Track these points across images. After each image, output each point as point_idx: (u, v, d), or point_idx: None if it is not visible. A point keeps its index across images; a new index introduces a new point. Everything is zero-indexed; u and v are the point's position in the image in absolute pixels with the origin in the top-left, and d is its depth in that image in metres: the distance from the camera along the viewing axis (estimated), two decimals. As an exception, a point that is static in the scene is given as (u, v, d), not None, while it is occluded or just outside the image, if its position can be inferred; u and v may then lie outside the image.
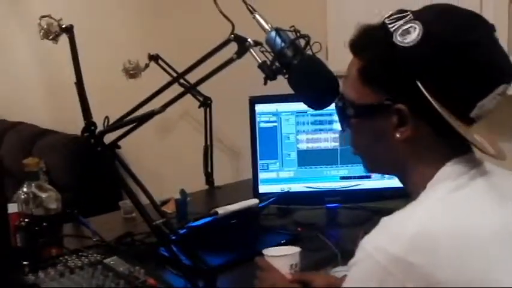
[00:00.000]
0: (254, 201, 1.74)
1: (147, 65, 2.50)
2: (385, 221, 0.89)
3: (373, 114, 0.97)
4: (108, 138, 1.50)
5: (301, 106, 1.84)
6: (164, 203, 2.16)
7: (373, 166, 1.08)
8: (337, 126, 1.82)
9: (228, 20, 1.26)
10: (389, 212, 0.92)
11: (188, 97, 2.34)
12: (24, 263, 1.47)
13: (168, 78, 2.42)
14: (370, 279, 0.86)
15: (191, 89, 2.36)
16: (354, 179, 1.90)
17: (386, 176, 1.87)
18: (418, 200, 0.92)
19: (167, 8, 2.94)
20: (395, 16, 0.94)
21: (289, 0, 2.37)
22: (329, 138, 1.88)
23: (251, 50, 1.22)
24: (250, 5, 1.24)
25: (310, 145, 1.88)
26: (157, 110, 1.42)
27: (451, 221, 0.86)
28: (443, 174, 0.93)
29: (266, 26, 1.21)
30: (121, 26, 3.27)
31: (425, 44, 0.89)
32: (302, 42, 1.22)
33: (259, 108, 1.88)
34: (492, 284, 0.83)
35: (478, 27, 0.92)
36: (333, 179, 1.90)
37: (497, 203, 0.91)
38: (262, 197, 1.84)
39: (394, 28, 0.92)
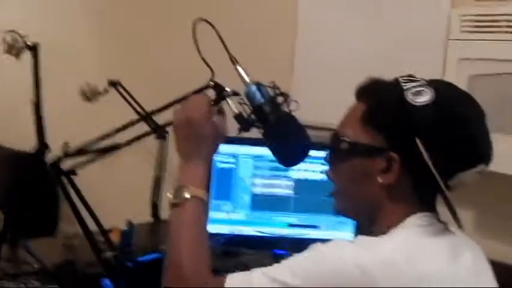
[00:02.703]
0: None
1: (106, 90, 2.46)
2: (360, 239, 0.96)
3: (365, 154, 1.02)
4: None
5: (260, 150, 1.88)
6: (108, 231, 2.10)
7: (346, 205, 1.11)
8: (293, 174, 1.88)
9: (208, 66, 1.26)
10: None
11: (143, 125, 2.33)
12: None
13: (126, 107, 2.42)
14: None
15: (148, 119, 2.35)
16: (303, 227, 1.92)
17: (334, 229, 1.92)
18: (387, 236, 0.97)
19: (138, 35, 2.93)
20: (408, 78, 1.01)
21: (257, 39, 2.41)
22: (284, 185, 1.90)
23: (228, 100, 1.22)
24: (233, 56, 1.25)
25: (266, 189, 1.89)
26: (123, 144, 1.41)
27: (413, 259, 0.92)
28: (410, 223, 0.99)
29: (247, 79, 1.22)
30: (86, 46, 3.22)
31: (433, 108, 0.96)
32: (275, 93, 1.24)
33: (218, 147, 1.88)
34: None
35: (476, 108, 1.01)
36: (283, 225, 1.91)
37: (453, 258, 0.97)
38: (211, 237, 1.82)
39: (407, 87, 0.99)
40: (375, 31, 1.93)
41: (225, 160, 1.88)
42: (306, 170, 1.89)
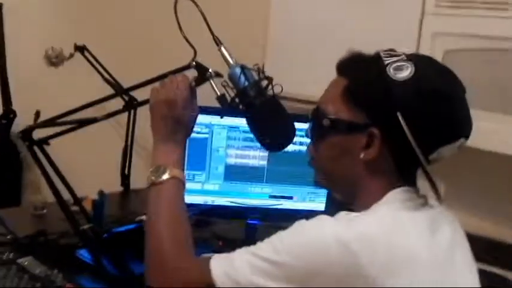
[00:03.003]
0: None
1: (71, 55, 2.40)
2: (341, 215, 0.97)
3: (346, 130, 1.03)
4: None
5: (233, 121, 1.88)
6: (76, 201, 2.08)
7: (327, 179, 1.12)
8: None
9: (192, 46, 1.24)
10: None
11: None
12: None
13: (92, 71, 2.37)
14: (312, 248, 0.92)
15: (119, 89, 2.31)
16: (276, 198, 1.94)
17: (307, 200, 1.95)
18: (369, 211, 0.99)
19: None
20: (389, 52, 1.02)
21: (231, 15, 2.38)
22: (258, 155, 1.90)
23: (211, 81, 1.21)
24: (217, 37, 1.23)
25: (239, 160, 1.89)
26: (100, 118, 1.39)
27: (392, 234, 0.94)
28: (391, 197, 1.01)
29: (231, 61, 1.21)
30: (50, 9, 3.11)
31: (413, 84, 0.97)
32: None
33: (192, 118, 1.86)
34: None
35: (456, 83, 1.02)
36: (257, 196, 1.92)
37: (432, 233, 0.99)
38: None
39: (388, 62, 0.99)
40: (350, 3, 1.93)
41: (199, 130, 1.87)
42: (279, 141, 1.90)
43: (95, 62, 2.35)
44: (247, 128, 1.84)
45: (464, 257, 1.05)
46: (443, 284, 0.95)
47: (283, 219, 1.95)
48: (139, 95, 2.23)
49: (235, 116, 1.81)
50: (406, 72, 0.97)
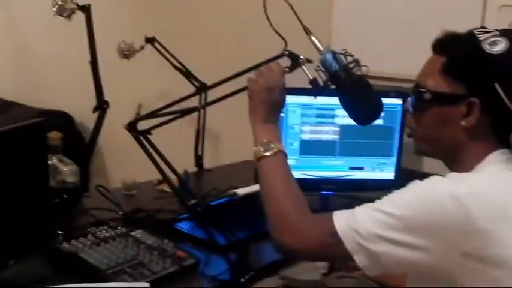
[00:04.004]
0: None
1: (142, 47, 2.55)
2: (451, 175, 1.10)
3: (447, 101, 1.15)
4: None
5: (307, 99, 2.01)
6: (161, 181, 2.24)
7: (429, 147, 1.24)
8: (338, 120, 2.01)
9: (281, 36, 1.39)
10: (371, 200, 1.12)
11: (182, 83, 2.44)
12: (59, 232, 1.53)
13: (164, 62, 2.52)
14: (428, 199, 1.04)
15: (188, 75, 2.46)
16: (348, 169, 2.07)
17: (377, 170, 2.07)
18: (474, 172, 1.11)
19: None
20: (482, 30, 1.14)
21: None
22: (330, 131, 2.03)
23: (303, 67, 1.36)
24: (306, 27, 1.37)
25: (313, 136, 2.03)
26: (200, 106, 1.54)
27: (499, 189, 1.06)
28: (492, 159, 1.13)
29: (321, 48, 1.35)
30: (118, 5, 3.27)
31: (508, 56, 1.09)
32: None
33: (268, 98, 2.00)
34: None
35: None
36: (330, 168, 2.06)
37: None
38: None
39: (482, 38, 1.12)
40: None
41: (275, 110, 2.00)
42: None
43: (165, 52, 2.50)
44: (319, 105, 2.02)
45: None
46: None
47: (355, 189, 2.10)
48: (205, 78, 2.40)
49: (327, 96, 1.92)
50: (501, 46, 1.09)
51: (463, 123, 1.14)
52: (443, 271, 1.04)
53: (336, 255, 1.17)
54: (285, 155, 1.30)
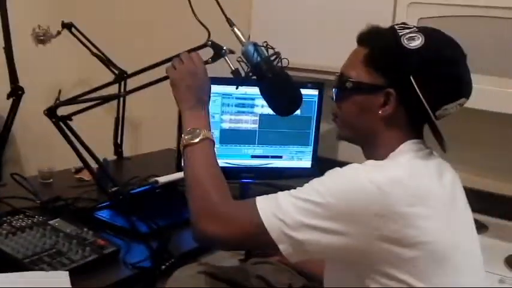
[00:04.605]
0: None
1: (59, 32, 2.48)
2: (368, 162, 1.16)
3: (367, 91, 1.21)
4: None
5: (227, 89, 2.04)
6: (79, 170, 2.21)
7: (349, 133, 1.30)
8: (258, 110, 2.06)
9: (205, 27, 1.41)
10: (289, 188, 1.15)
11: (101, 70, 2.40)
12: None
13: (81, 48, 2.47)
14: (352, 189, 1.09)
15: (108, 62, 2.42)
16: (267, 158, 2.12)
17: (295, 158, 2.14)
18: (389, 160, 1.18)
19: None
20: (402, 25, 1.21)
21: None
22: (249, 120, 2.07)
23: (226, 58, 1.38)
24: (229, 18, 1.40)
25: (233, 125, 2.06)
26: (123, 94, 1.53)
27: (413, 176, 1.13)
28: (406, 148, 1.20)
29: (243, 40, 1.38)
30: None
31: (424, 51, 1.16)
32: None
33: (189, 87, 2.01)
34: (418, 215, 1.09)
35: (459, 50, 1.21)
36: (249, 157, 2.10)
37: (440, 177, 1.19)
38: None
39: (402, 33, 1.18)
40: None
41: (196, 98, 2.02)
42: (269, 106, 2.07)
43: (83, 39, 2.45)
44: (239, 95, 2.05)
45: (462, 196, 1.26)
46: (450, 215, 1.15)
47: (274, 177, 2.16)
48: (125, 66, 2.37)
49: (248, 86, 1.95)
50: (418, 41, 1.16)
51: (380, 112, 1.21)
52: (362, 255, 1.10)
53: (259, 244, 1.20)
54: (212, 142, 1.32)
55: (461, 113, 1.25)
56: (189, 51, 1.43)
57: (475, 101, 1.24)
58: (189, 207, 1.23)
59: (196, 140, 1.29)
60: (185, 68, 1.37)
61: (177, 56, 1.42)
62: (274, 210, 1.11)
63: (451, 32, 1.23)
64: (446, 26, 1.45)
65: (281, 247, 1.10)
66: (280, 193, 1.15)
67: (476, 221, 1.27)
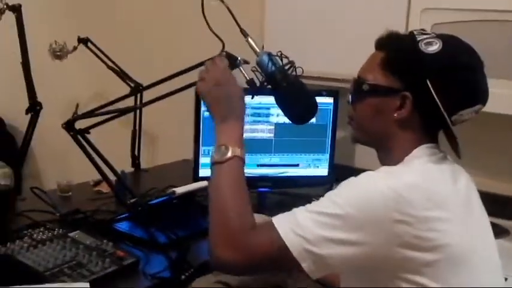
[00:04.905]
0: (203, 183, 1.89)
1: (75, 48, 2.52)
2: (383, 168, 1.17)
3: (383, 94, 1.22)
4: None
5: (242, 99, 2.05)
6: (97, 183, 2.23)
7: (363, 135, 1.30)
8: (273, 119, 2.07)
9: (219, 38, 1.42)
10: (307, 196, 1.11)
11: (117, 84, 2.42)
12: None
13: (97, 62, 2.50)
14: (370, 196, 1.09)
15: (123, 75, 2.45)
16: (284, 166, 2.13)
17: (311, 166, 2.14)
18: (403, 164, 1.18)
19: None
20: (420, 31, 1.22)
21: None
22: (265, 129, 2.08)
23: (240, 68, 1.39)
24: (243, 29, 1.41)
25: (249, 135, 2.07)
26: (138, 106, 1.54)
27: (428, 181, 1.13)
28: (420, 152, 1.20)
29: (257, 50, 1.38)
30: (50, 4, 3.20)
31: (441, 56, 1.16)
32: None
33: (204, 98, 2.03)
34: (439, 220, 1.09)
35: (476, 57, 1.21)
36: (266, 166, 2.11)
37: (454, 181, 1.19)
38: (201, 180, 2.00)
39: (420, 38, 1.19)
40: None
41: (211, 109, 2.03)
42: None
43: (98, 53, 2.48)
44: (255, 105, 2.06)
45: (477, 200, 1.25)
46: (467, 219, 1.16)
47: (290, 185, 2.16)
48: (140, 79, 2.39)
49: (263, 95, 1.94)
50: (435, 46, 1.17)
51: (395, 115, 1.21)
52: (383, 262, 1.09)
53: (279, 265, 1.16)
54: (241, 160, 1.24)
55: (477, 118, 1.25)
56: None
57: (490, 104, 1.24)
58: (209, 229, 1.18)
59: (224, 158, 1.22)
60: (211, 78, 1.29)
61: (196, 67, 1.40)
62: (294, 227, 1.09)
63: (464, 36, 1.24)
64: (460, 31, 1.46)
65: (303, 265, 1.08)
66: (296, 210, 1.13)
67: (497, 226, 1.27)
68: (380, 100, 1.23)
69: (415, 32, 1.22)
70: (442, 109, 1.15)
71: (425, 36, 1.20)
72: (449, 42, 1.20)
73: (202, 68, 1.36)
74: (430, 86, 1.16)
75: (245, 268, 1.16)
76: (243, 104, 1.31)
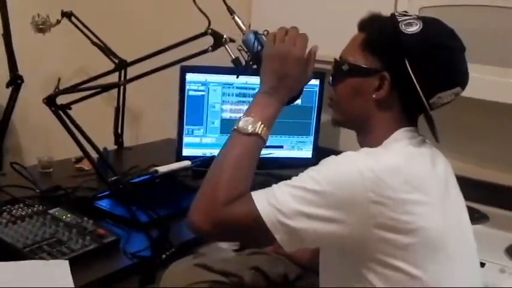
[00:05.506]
0: (186, 162, 1.89)
1: (58, 21, 2.47)
2: (363, 150, 1.16)
3: (362, 74, 1.21)
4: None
5: (228, 78, 2.03)
6: (79, 160, 2.21)
7: (343, 117, 1.29)
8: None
9: (205, 15, 1.39)
10: (289, 178, 1.11)
11: (101, 59, 2.39)
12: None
13: (81, 37, 2.45)
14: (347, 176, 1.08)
15: (107, 51, 2.41)
16: (268, 147, 2.11)
17: (296, 148, 2.13)
18: (383, 147, 1.18)
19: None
20: (402, 13, 1.21)
21: None
22: (250, 109, 2.06)
23: (226, 46, 1.36)
24: (230, 7, 1.38)
25: (233, 115, 2.06)
26: (122, 82, 1.52)
27: (409, 164, 1.13)
28: (399, 135, 1.20)
29: (244, 28, 1.36)
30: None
31: (420, 36, 1.16)
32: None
33: (189, 77, 2.01)
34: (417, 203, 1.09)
35: (457, 41, 1.20)
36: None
37: (433, 164, 1.19)
38: (184, 159, 1.99)
39: (400, 19, 1.18)
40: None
41: (196, 88, 2.02)
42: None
43: (82, 27, 2.44)
44: (240, 85, 2.04)
45: (454, 184, 1.26)
46: (445, 203, 1.16)
47: (274, 167, 2.15)
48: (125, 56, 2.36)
49: (248, 76, 1.92)
50: (415, 27, 1.16)
51: (373, 96, 1.20)
52: (358, 243, 1.10)
53: (256, 236, 1.15)
54: (261, 140, 1.20)
55: (463, 104, 1.25)
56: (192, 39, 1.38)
57: (476, 90, 1.24)
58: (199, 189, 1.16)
59: (245, 130, 1.19)
60: (279, 49, 1.22)
61: (181, 44, 1.37)
62: (270, 199, 1.09)
63: (452, 20, 1.23)
64: (448, 15, 1.45)
65: (277, 236, 1.09)
66: (275, 185, 1.13)
67: (477, 211, 1.28)
68: (359, 81, 1.22)
69: (396, 14, 1.21)
70: (419, 89, 1.15)
71: (406, 18, 1.19)
72: (430, 23, 1.19)
73: (283, 29, 1.26)
74: (408, 65, 1.15)
75: (217, 236, 1.18)
76: (297, 96, 1.29)
